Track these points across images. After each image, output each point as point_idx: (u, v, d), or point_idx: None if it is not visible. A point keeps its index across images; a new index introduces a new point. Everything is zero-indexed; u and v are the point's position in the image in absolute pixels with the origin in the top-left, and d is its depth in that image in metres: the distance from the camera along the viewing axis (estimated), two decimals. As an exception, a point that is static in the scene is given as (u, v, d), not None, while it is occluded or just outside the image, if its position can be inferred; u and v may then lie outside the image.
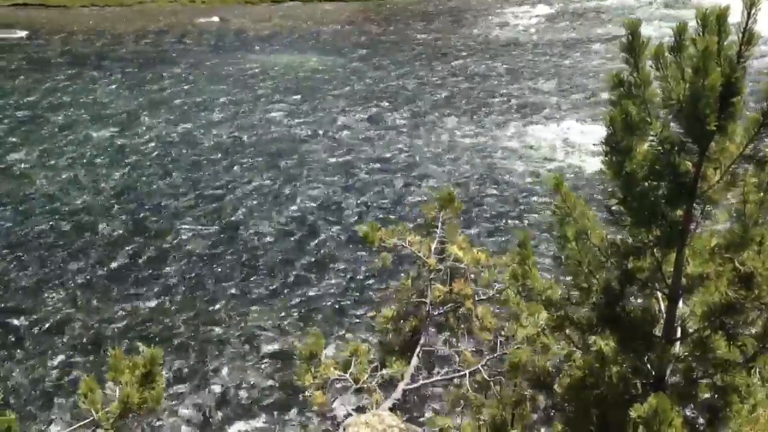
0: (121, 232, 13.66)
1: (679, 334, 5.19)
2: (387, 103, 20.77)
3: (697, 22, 4.32)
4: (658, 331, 5.18)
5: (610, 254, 4.93)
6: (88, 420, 4.68)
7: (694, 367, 5.16)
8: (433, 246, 8.42)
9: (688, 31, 4.34)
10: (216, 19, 31.37)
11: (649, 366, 5.22)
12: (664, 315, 5.17)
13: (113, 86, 22.46)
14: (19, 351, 10.28)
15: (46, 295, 11.62)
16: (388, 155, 17.15)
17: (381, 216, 13.86)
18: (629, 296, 5.17)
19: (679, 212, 4.73)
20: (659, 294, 5.26)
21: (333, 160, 16.94)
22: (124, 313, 11.16)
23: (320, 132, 18.69)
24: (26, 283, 11.95)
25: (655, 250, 4.91)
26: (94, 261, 12.64)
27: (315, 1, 34.36)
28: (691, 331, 5.12)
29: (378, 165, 16.60)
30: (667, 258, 4.95)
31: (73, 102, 20.97)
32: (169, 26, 30.11)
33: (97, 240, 13.39)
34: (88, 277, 12.16)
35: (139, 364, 4.48)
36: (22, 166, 16.65)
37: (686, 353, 5.16)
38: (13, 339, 10.56)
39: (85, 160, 16.96)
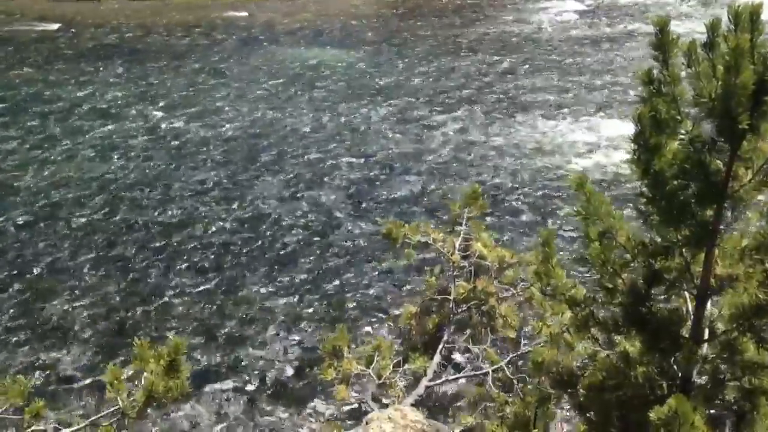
0: (146, 222, 13.81)
1: (707, 336, 5.12)
2: (412, 99, 20.74)
3: (730, 19, 4.25)
4: (685, 332, 5.11)
5: (637, 254, 4.88)
6: (113, 408, 4.74)
7: (722, 369, 5.09)
8: (458, 243, 8.41)
9: (721, 28, 4.27)
10: (245, 13, 31.51)
11: (675, 367, 5.16)
12: (692, 316, 5.10)
13: (141, 79, 22.68)
14: (43, 339, 10.44)
15: (69, 284, 11.78)
16: (411, 150, 17.14)
17: (405, 210, 13.86)
18: (656, 296, 5.11)
19: (709, 212, 4.66)
20: (687, 294, 5.19)
21: (357, 154, 16.96)
22: (148, 303, 11.29)
23: (345, 126, 18.72)
24: (51, 272, 12.12)
25: (683, 250, 4.84)
26: (119, 249, 12.79)
27: (342, -4, 34.35)
28: (719, 332, 5.05)
29: (401, 160, 16.59)
30: (696, 258, 4.89)
31: (101, 93, 21.21)
32: (198, 20, 30.30)
33: (122, 229, 13.55)
34: (113, 266, 12.30)
35: (164, 354, 4.53)
36: (49, 155, 16.86)
37: (714, 355, 5.10)
38: (38, 328, 10.72)
39: (111, 151, 17.15)
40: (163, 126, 18.83)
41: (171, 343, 4.57)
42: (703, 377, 5.19)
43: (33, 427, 5.05)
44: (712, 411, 5.17)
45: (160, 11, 31.66)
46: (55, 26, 28.94)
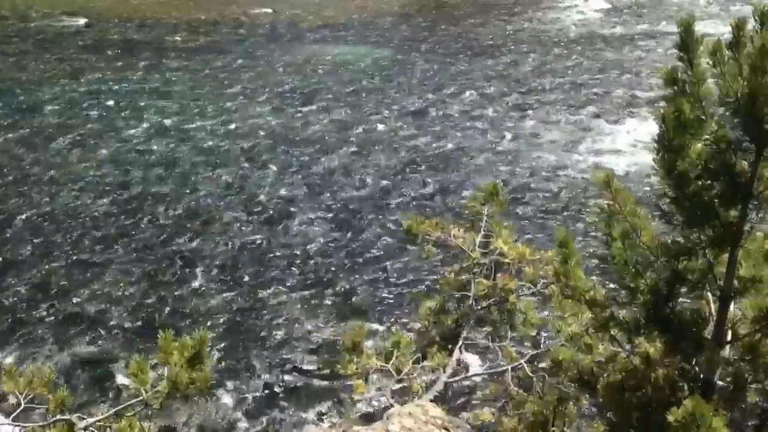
0: (168, 217, 13.94)
1: (729, 338, 5.08)
2: (435, 97, 20.71)
3: (755, 18, 4.21)
4: (707, 334, 5.08)
5: (660, 254, 4.85)
6: (137, 399, 4.81)
7: (744, 372, 5.05)
8: (478, 239, 8.40)
9: (747, 28, 4.23)
10: (268, 10, 31.62)
11: (697, 369, 5.13)
12: (715, 317, 5.07)
13: (166, 75, 22.86)
14: (68, 331, 10.59)
15: (92, 276, 11.93)
16: (434, 148, 17.13)
17: (425, 208, 13.85)
18: (678, 297, 5.08)
19: (733, 213, 4.63)
20: (710, 296, 5.16)
21: (379, 151, 16.98)
22: (169, 296, 11.41)
23: (367, 123, 18.75)
24: (75, 264, 12.28)
25: (707, 251, 4.81)
26: (142, 244, 12.93)
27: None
28: (741, 335, 5.02)
29: (423, 157, 16.59)
30: (720, 259, 4.85)
31: (127, 89, 21.42)
32: (222, 16, 30.48)
33: (144, 224, 13.69)
34: (136, 259, 12.44)
35: (188, 346, 4.58)
36: (71, 150, 17.05)
37: (736, 357, 5.06)
38: (62, 319, 10.88)
39: (134, 147, 17.31)
40: (186, 123, 18.97)
41: (196, 335, 4.62)
42: (725, 380, 5.16)
43: (57, 416, 5.14)
44: (734, 414, 5.14)
45: (185, 7, 31.88)
46: (82, 21, 29.24)
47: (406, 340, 7.66)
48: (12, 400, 5.34)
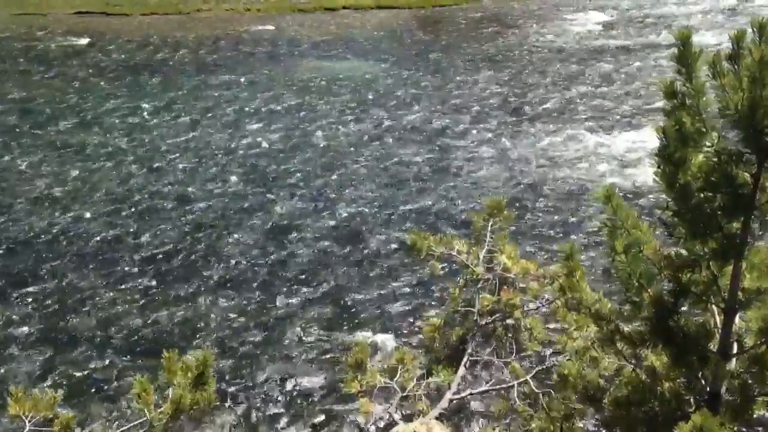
0: (172, 234, 13.96)
1: (735, 350, 5.06)
2: (435, 111, 20.77)
3: (753, 30, 4.23)
4: (713, 347, 5.06)
5: (664, 267, 4.84)
6: (141, 420, 4.79)
7: (750, 384, 5.02)
8: (482, 255, 8.38)
9: (746, 40, 4.25)
10: (270, 27, 31.83)
11: (703, 382, 5.10)
12: (720, 330, 5.05)
13: (170, 92, 22.98)
14: (72, 351, 10.57)
15: (97, 296, 11.93)
16: (436, 162, 17.15)
17: (428, 223, 13.85)
18: (683, 310, 5.06)
19: (736, 224, 4.62)
20: (714, 308, 5.14)
21: (382, 166, 17.01)
22: (173, 314, 11.40)
23: (370, 138, 18.79)
24: (78, 284, 12.28)
25: (710, 263, 4.80)
26: (145, 261, 12.93)
27: (367, 8, 34.60)
28: (747, 347, 4.99)
29: (426, 171, 16.61)
30: (723, 271, 4.84)
31: (132, 107, 21.52)
32: (225, 34, 30.67)
33: (147, 240, 13.70)
34: (138, 277, 12.44)
35: (192, 366, 4.57)
36: (74, 167, 17.12)
37: (742, 369, 5.03)
38: (66, 340, 10.87)
39: (140, 164, 17.38)
40: (190, 138, 19.05)
41: (200, 356, 4.61)
42: (732, 392, 5.12)
43: (62, 438, 5.12)
44: (740, 427, 5.10)
45: (187, 25, 32.11)
46: (85, 41, 29.46)
47: (411, 357, 7.63)
48: (18, 422, 5.32)
